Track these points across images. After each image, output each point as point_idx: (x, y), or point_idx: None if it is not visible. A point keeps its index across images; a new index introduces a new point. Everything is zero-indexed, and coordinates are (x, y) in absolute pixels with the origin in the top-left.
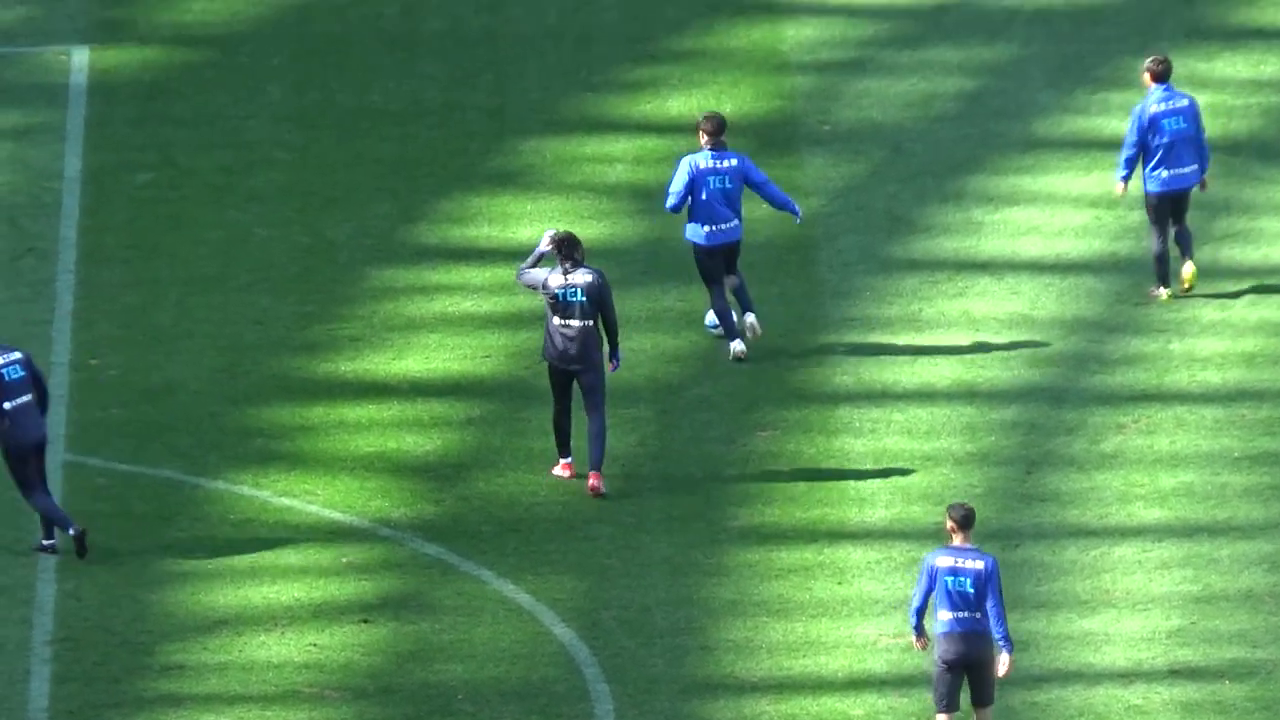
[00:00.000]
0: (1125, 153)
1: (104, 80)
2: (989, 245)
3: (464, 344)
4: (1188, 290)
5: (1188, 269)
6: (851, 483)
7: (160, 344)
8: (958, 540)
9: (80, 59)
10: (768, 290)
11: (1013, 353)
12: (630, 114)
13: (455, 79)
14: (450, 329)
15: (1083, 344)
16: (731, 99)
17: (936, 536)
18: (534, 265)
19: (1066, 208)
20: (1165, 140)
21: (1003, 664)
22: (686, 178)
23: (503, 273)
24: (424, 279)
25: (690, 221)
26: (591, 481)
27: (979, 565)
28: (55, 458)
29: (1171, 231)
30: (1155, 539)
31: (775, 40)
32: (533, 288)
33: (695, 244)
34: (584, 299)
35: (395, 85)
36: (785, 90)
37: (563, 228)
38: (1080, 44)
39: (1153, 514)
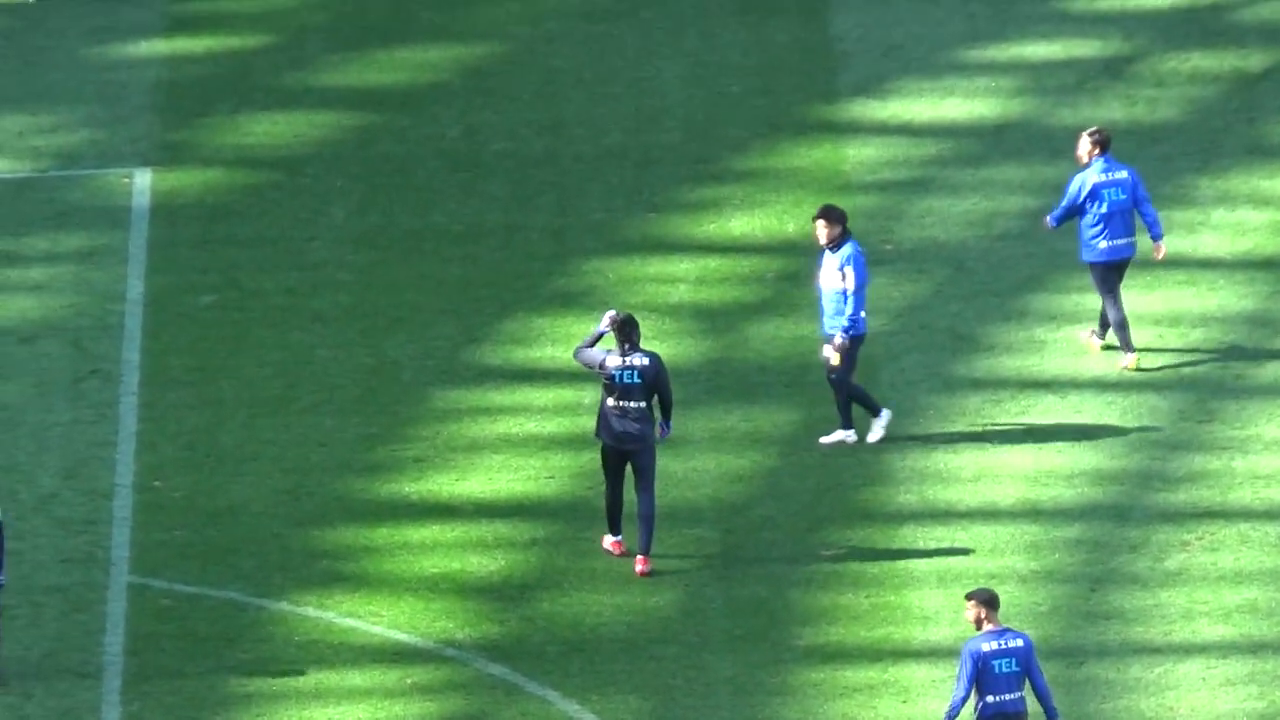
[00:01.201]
0: (1057, 210)
1: (167, 202)
2: (1052, 363)
3: (527, 465)
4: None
5: (1103, 344)
6: (915, 602)
7: (224, 466)
8: (990, 625)
9: (143, 181)
10: (830, 410)
11: (1076, 470)
12: (693, 234)
13: (517, 200)
14: (514, 450)
15: (1146, 461)
16: (794, 219)
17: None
18: (592, 344)
19: (1129, 325)
20: (1105, 211)
21: None
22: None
23: (566, 394)
24: (487, 400)
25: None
26: (639, 567)
27: (1019, 643)
28: (120, 579)
29: (1111, 312)
30: (1220, 656)
31: (837, 160)
32: (589, 366)
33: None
34: (640, 381)
35: (458, 207)
36: (847, 209)
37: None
38: (1142, 163)
39: (1217, 631)
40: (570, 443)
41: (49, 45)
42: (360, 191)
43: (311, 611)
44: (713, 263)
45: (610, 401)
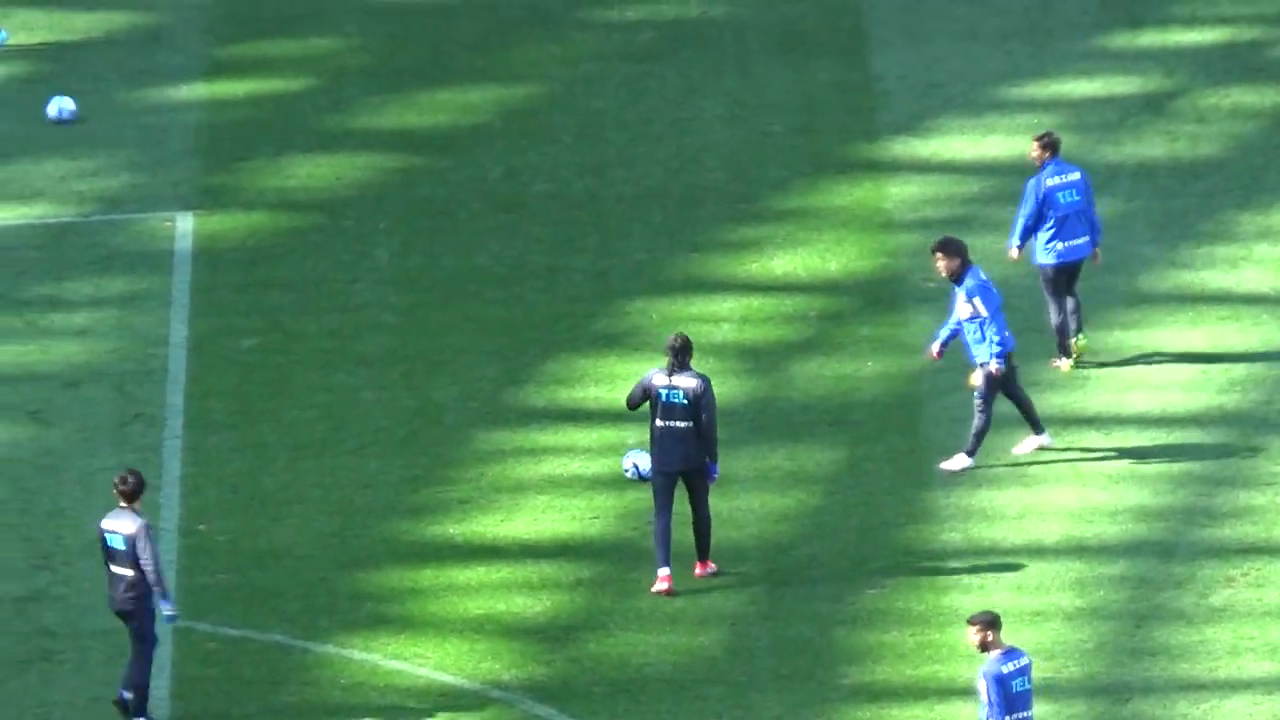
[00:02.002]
0: (1021, 223)
1: (209, 246)
2: (1095, 400)
3: (572, 505)
4: (1078, 360)
5: (1079, 340)
6: (961, 639)
7: (268, 509)
8: (998, 647)
9: (185, 225)
10: (874, 448)
11: (1120, 507)
12: (735, 274)
13: (560, 241)
14: (558, 490)
15: (1190, 497)
16: (836, 257)
17: (1048, 691)
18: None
19: (1172, 361)
20: (1060, 214)
21: None
22: None
23: (610, 434)
24: (531, 441)
25: None
26: (698, 570)
27: (1027, 660)
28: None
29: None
30: (1265, 692)
31: (879, 198)
32: (639, 394)
33: None
34: (684, 401)
35: (500, 248)
36: (889, 248)
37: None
38: (1184, 199)
39: (1263, 667)
40: (615, 483)
41: (89, 89)
42: (402, 233)
43: (357, 654)
44: (756, 302)
45: (657, 422)
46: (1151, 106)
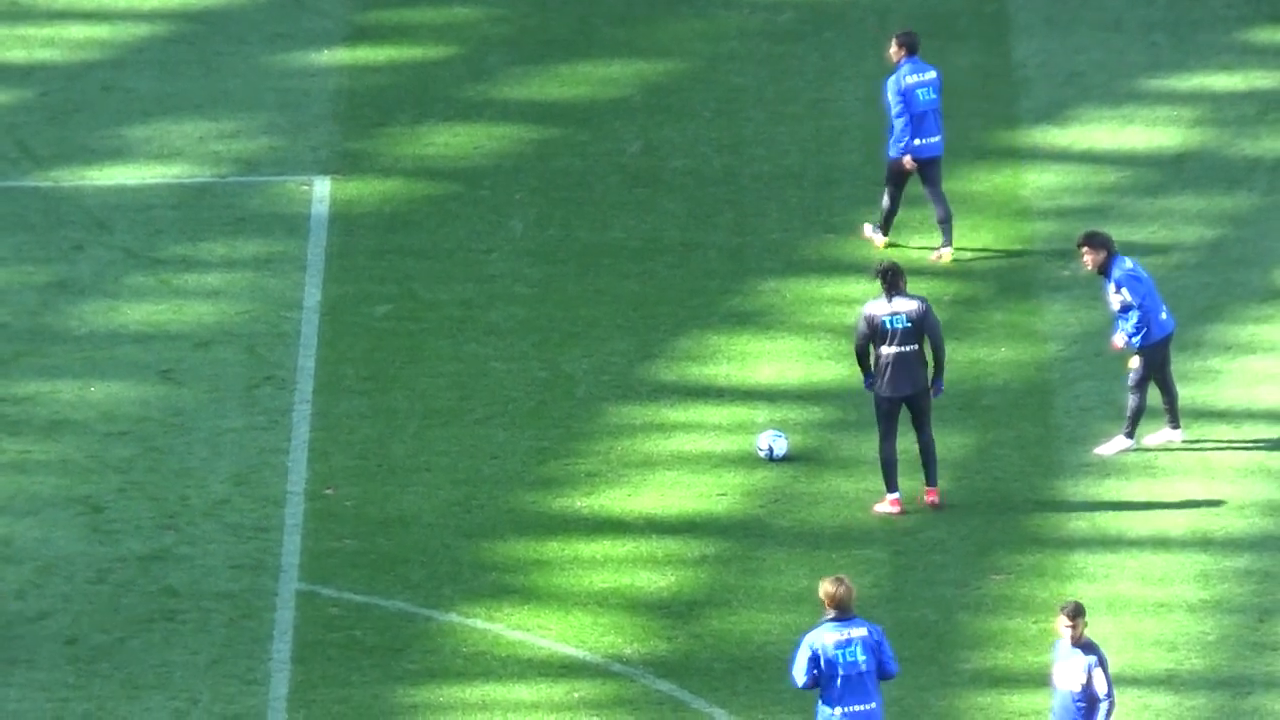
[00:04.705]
0: (899, 124)
1: (345, 211)
2: (1226, 393)
3: (700, 482)
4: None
5: (947, 254)
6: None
7: (395, 476)
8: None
9: (322, 189)
10: (1003, 434)
11: (1247, 500)
12: (870, 256)
13: (696, 218)
14: (686, 467)
15: None
16: (971, 243)
17: (1169, 683)
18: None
19: None
20: (918, 111)
21: None
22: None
23: (740, 411)
24: (661, 416)
25: None
26: (930, 499)
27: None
28: (289, 586)
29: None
30: None
31: (1016, 185)
32: (861, 341)
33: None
34: (908, 325)
35: (636, 223)
36: (1025, 235)
37: (804, 363)
38: None
39: None
40: (743, 461)
41: (230, 51)
42: (538, 205)
43: (480, 623)
44: None
45: (883, 349)
46: None
